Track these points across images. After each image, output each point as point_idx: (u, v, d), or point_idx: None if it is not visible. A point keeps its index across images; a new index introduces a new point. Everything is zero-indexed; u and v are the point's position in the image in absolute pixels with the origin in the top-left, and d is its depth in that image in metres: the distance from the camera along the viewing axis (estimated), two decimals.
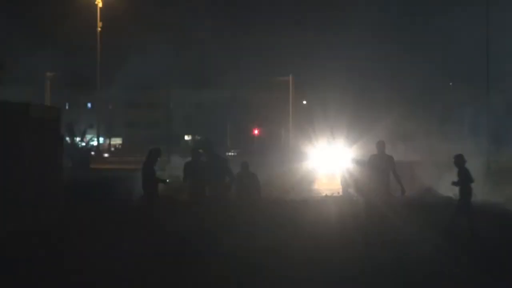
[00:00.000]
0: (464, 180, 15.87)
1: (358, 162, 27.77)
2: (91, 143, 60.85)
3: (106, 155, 64.92)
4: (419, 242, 13.75)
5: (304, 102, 73.93)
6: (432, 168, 24.24)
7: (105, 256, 12.37)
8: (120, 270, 11.47)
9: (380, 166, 15.26)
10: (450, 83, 61.66)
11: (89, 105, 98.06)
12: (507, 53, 43.60)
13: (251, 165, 17.31)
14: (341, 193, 24.61)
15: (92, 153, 63.85)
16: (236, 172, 16.49)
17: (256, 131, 73.75)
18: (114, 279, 11.03)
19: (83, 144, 59.49)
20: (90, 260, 12.12)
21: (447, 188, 22.37)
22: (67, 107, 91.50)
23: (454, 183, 16.34)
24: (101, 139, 77.18)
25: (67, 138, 52.83)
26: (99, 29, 58.85)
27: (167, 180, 16.92)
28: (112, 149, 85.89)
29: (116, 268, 11.58)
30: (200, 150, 15.99)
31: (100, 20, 59.00)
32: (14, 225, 13.67)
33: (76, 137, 57.94)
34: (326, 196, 22.50)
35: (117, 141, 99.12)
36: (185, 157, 28.48)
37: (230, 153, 47.54)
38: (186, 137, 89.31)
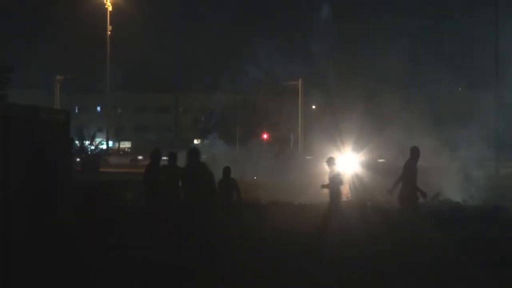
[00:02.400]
0: (339, 182, 16.18)
1: (368, 166, 27.85)
2: (100, 146, 61.07)
3: (140, 157, 64.91)
4: (428, 247, 13.72)
5: (314, 106, 73.80)
6: (441, 173, 24.18)
7: (111, 258, 12.42)
8: (125, 273, 11.52)
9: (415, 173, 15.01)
10: (459, 88, 61.50)
11: (98, 108, 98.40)
12: None
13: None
14: (349, 198, 24.56)
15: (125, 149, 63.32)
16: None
17: (265, 136, 73.68)
18: (118, 281, 11.10)
19: (92, 147, 59.77)
20: (96, 260, 12.19)
21: (456, 194, 22.36)
22: (76, 110, 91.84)
23: (323, 186, 16.56)
24: (110, 143, 77.39)
25: (77, 142, 53.11)
26: (108, 32, 59.03)
27: None
28: (121, 152, 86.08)
29: (120, 270, 11.64)
30: None
31: (110, 24, 59.16)
32: (23, 227, 13.70)
33: (86, 140, 58.20)
34: None
35: (126, 144, 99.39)
36: None
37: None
38: (195, 141, 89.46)
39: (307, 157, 46.21)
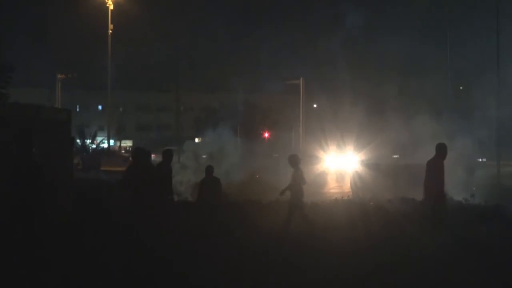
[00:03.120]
0: (300, 181, 15.96)
1: (368, 166, 27.79)
2: (101, 145, 61.16)
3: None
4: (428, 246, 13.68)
5: (315, 105, 73.85)
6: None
7: (113, 255, 12.42)
8: (128, 269, 11.53)
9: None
10: (461, 87, 61.46)
11: (99, 107, 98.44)
12: None
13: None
14: (351, 197, 24.52)
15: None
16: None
17: (266, 134, 73.70)
18: (120, 279, 11.10)
19: (94, 146, 59.84)
20: (98, 259, 12.18)
21: (458, 192, 22.27)
22: (77, 109, 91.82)
23: (283, 192, 16.29)
24: (112, 142, 77.30)
25: (78, 140, 53.19)
26: (110, 31, 58.95)
27: None
28: (123, 151, 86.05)
29: (122, 267, 11.65)
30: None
31: (111, 23, 59.10)
32: (24, 226, 13.67)
33: (87, 139, 58.28)
34: (336, 199, 22.42)
35: (127, 143, 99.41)
36: None
37: None
38: (197, 140, 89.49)
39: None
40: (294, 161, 16.34)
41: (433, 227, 13.98)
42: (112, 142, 79.85)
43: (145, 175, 14.22)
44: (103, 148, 60.31)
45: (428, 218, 14.30)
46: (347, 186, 29.55)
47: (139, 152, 15.25)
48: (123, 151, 68.20)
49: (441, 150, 14.29)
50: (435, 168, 14.08)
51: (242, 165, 29.41)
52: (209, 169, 16.41)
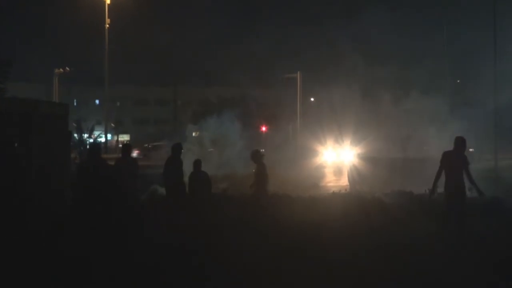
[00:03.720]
0: (264, 176, 15.85)
1: (366, 159, 27.81)
2: (99, 139, 61.10)
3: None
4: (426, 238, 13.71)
5: (312, 99, 73.78)
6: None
7: (113, 252, 12.42)
8: (127, 265, 11.55)
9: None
10: (458, 81, 61.48)
11: (97, 102, 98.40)
12: None
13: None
14: (348, 190, 24.53)
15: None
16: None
17: (263, 128, 73.64)
18: (120, 275, 11.11)
19: (91, 140, 59.74)
20: (98, 255, 12.18)
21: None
22: (75, 103, 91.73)
23: (252, 186, 16.23)
24: (109, 136, 77.15)
25: (75, 135, 53.16)
26: (107, 25, 58.85)
27: None
28: (120, 145, 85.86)
29: (122, 263, 11.66)
30: None
31: (108, 17, 58.98)
32: (22, 221, 13.70)
33: (84, 133, 58.27)
34: (333, 193, 22.45)
35: (124, 137, 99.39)
36: None
37: None
38: (194, 134, 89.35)
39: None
40: (257, 157, 16.12)
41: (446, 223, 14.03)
42: (109, 136, 79.73)
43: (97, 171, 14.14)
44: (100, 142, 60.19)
45: (441, 216, 14.37)
46: (344, 180, 29.56)
47: (91, 148, 15.45)
48: (120, 146, 68.29)
49: (461, 142, 14.28)
50: (455, 161, 14.13)
51: (242, 159, 29.42)
52: (197, 163, 16.31)
